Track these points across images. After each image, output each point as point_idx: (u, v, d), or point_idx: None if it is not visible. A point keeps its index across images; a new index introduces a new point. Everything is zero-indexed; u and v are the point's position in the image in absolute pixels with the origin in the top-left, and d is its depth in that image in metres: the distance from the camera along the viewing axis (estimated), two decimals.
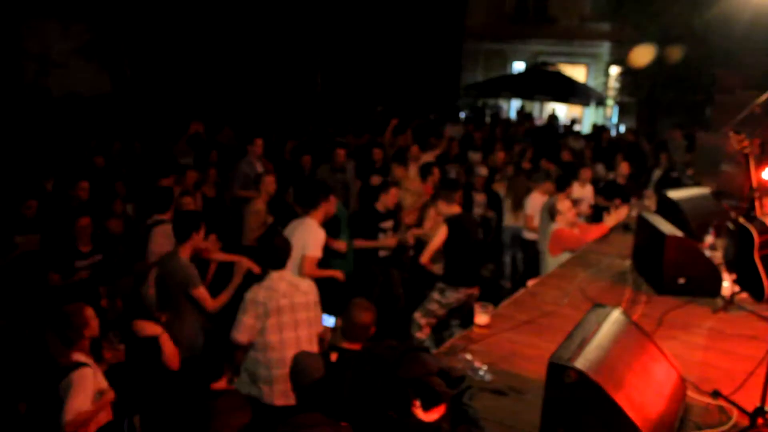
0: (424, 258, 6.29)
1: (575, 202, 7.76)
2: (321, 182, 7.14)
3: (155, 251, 5.67)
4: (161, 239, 5.71)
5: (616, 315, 3.17)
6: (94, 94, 15.83)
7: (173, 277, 4.92)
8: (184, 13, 17.02)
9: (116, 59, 17.05)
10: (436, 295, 6.20)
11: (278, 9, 18.99)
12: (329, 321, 3.91)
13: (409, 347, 2.80)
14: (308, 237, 5.61)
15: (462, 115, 19.52)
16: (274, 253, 4.71)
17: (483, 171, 9.40)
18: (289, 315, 4.57)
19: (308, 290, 4.73)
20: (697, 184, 7.83)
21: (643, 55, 16.18)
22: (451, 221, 6.16)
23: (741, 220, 4.60)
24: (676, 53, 15.69)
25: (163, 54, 16.93)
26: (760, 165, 5.53)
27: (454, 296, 6.16)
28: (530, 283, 5.34)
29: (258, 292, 4.57)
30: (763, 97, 4.94)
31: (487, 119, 18.46)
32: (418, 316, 6.21)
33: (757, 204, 4.87)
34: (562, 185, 7.66)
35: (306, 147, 9.87)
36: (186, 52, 17.14)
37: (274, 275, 4.64)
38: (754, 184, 4.93)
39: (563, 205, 6.70)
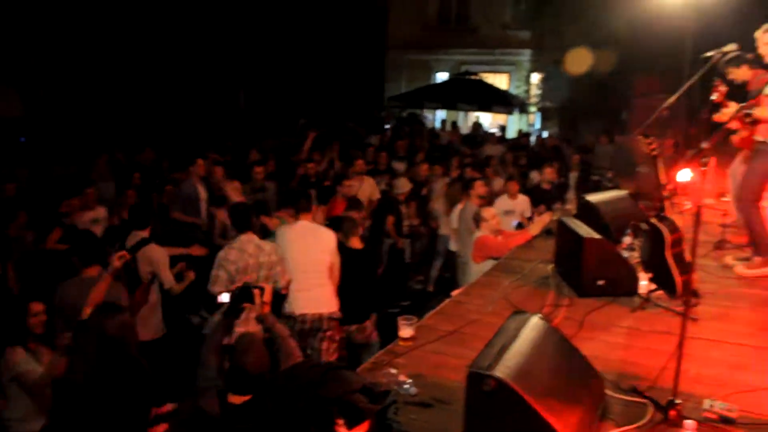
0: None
1: (506, 214, 7.93)
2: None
3: (144, 270, 5.83)
4: (146, 261, 5.83)
5: (534, 321, 3.22)
6: (3, 116, 15.04)
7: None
8: (102, 32, 16.54)
9: (29, 79, 16.30)
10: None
11: (198, 26, 18.73)
12: (224, 297, 3.95)
13: (330, 365, 2.78)
14: (329, 241, 5.86)
15: (387, 126, 19.57)
16: (239, 216, 5.45)
17: (405, 187, 9.50)
18: (255, 273, 5.26)
19: (271, 251, 5.39)
20: (615, 186, 8.02)
21: (578, 61, 16.58)
22: (349, 255, 5.98)
23: (653, 220, 4.76)
24: (594, 58, 16.16)
25: (79, 74, 16.33)
26: (673, 165, 5.75)
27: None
28: (455, 293, 5.38)
29: (230, 251, 5.26)
30: (670, 100, 5.13)
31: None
32: None
33: (667, 204, 5.05)
34: (465, 189, 8.05)
35: (227, 165, 9.58)
36: (103, 72, 16.63)
37: (243, 237, 5.32)
38: (664, 184, 5.13)
39: (487, 212, 6.78)
